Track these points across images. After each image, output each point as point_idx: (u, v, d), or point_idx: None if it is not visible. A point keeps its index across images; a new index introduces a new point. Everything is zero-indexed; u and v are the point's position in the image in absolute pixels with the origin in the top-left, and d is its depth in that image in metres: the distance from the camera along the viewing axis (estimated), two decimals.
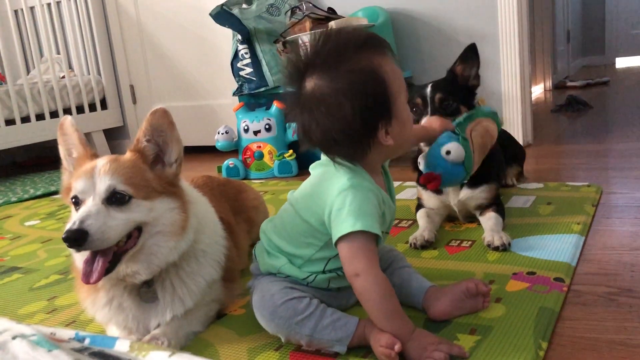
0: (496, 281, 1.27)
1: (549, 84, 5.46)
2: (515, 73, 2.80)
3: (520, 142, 2.50)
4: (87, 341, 0.84)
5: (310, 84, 1.01)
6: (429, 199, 1.72)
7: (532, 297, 1.18)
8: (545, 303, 1.14)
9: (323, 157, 1.13)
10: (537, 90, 5.32)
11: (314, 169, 1.16)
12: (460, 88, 1.64)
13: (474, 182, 1.63)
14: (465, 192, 1.64)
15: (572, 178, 2.11)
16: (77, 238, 0.98)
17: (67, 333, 0.88)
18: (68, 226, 0.99)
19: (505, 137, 2.11)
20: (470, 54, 1.63)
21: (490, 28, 2.82)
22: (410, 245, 1.55)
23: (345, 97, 0.98)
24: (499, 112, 2.84)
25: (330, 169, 1.07)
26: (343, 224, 0.99)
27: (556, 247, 1.43)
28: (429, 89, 1.62)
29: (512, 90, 2.83)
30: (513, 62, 2.80)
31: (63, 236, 0.98)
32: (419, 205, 1.75)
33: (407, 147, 1.15)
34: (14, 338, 0.79)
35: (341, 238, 1.00)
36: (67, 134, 1.16)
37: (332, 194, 1.03)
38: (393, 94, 1.02)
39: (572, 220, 1.61)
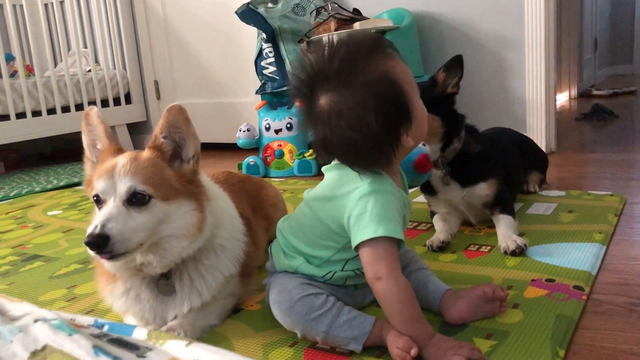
0: (514, 287, 1.26)
1: (574, 92, 5.39)
2: (540, 79, 2.78)
3: (544, 149, 2.47)
4: (105, 328, 0.86)
5: (325, 100, 1.00)
6: (436, 203, 1.72)
7: (550, 304, 1.16)
8: (563, 311, 1.13)
9: None
10: (562, 98, 5.26)
11: (328, 170, 1.15)
12: (435, 96, 1.59)
13: (470, 181, 1.63)
14: (466, 191, 1.64)
15: (595, 187, 2.09)
16: (99, 243, 0.99)
17: (86, 319, 0.90)
18: (90, 230, 1.01)
19: (527, 144, 2.09)
20: (455, 65, 1.60)
21: (517, 33, 2.80)
22: (428, 248, 1.55)
23: (365, 110, 0.97)
24: (524, 119, 2.83)
25: (349, 172, 1.07)
26: (365, 229, 0.99)
27: (576, 255, 1.42)
28: None
29: (537, 97, 2.80)
30: (538, 69, 2.77)
31: (85, 241, 0.99)
32: (432, 212, 1.76)
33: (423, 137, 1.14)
34: (35, 321, 0.81)
35: (363, 243, 1.00)
36: (92, 124, 1.18)
37: (353, 198, 1.02)
38: (409, 96, 1.02)
39: (593, 229, 1.59)
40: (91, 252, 1.02)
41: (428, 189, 1.71)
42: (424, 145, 1.63)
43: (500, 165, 1.71)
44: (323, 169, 1.16)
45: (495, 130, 2.06)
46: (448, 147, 1.61)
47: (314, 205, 1.12)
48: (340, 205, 1.05)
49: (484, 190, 1.63)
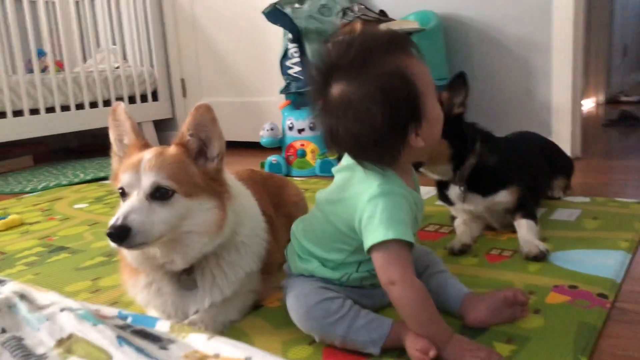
0: (536, 293, 1.25)
1: (601, 98, 5.30)
2: (567, 84, 2.74)
3: (569, 155, 2.43)
4: (129, 319, 0.87)
5: (336, 89, 1.00)
6: (454, 210, 1.72)
7: (573, 311, 1.15)
8: (586, 318, 1.11)
9: (346, 159, 1.12)
10: (589, 104, 5.17)
11: (338, 172, 1.15)
12: None
13: (491, 190, 1.62)
14: (487, 200, 1.63)
15: (621, 194, 2.05)
16: (120, 234, 1.01)
17: (110, 311, 0.91)
18: (112, 222, 1.02)
19: (552, 149, 2.06)
20: (458, 83, 1.55)
21: (544, 36, 2.76)
22: (449, 251, 1.55)
23: (373, 102, 0.96)
24: (549, 124, 2.79)
25: (358, 174, 1.06)
26: (375, 232, 0.98)
27: (601, 262, 1.39)
28: None
29: (563, 102, 2.77)
30: (565, 73, 2.73)
31: (107, 232, 1.01)
32: (453, 217, 1.75)
33: (435, 146, 1.11)
34: (61, 310, 0.83)
35: (374, 247, 0.99)
36: (119, 120, 1.20)
37: (362, 201, 1.02)
38: (422, 95, 1.00)
39: (619, 237, 1.57)
40: (112, 244, 1.03)
41: (447, 201, 1.70)
42: None
43: (521, 170, 1.69)
44: (333, 170, 1.16)
45: (519, 135, 2.04)
46: (463, 165, 1.60)
47: (325, 208, 1.12)
48: (349, 207, 1.05)
49: (505, 197, 1.62)
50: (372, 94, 0.97)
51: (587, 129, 3.54)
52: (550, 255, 1.46)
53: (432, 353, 0.95)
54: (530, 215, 1.60)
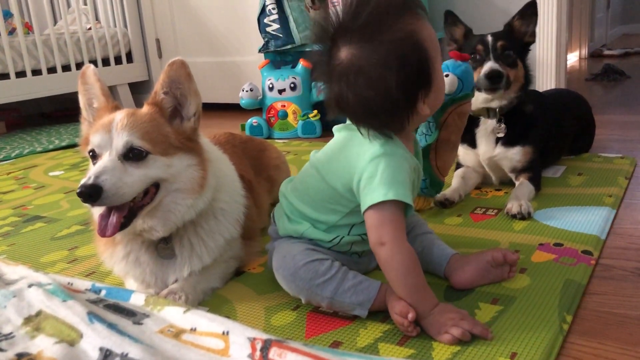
0: (521, 251, 1.24)
1: (584, 51, 5.26)
2: (551, 38, 2.70)
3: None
4: (103, 293, 0.84)
5: (346, 53, 0.96)
6: (465, 155, 1.71)
7: (558, 269, 1.14)
8: (571, 276, 1.11)
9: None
10: (572, 58, 5.14)
11: (339, 131, 1.11)
12: (517, 42, 1.63)
13: (509, 141, 1.61)
14: (499, 150, 1.62)
15: (605, 149, 2.04)
16: (91, 193, 0.97)
17: (84, 284, 0.88)
18: (83, 181, 0.98)
19: (584, 115, 2.00)
20: (530, 10, 1.62)
21: None
22: (432, 200, 1.55)
23: (388, 69, 0.93)
24: (533, 78, 2.75)
25: (359, 134, 1.03)
26: (374, 192, 0.96)
27: (585, 219, 1.39)
28: (490, 37, 1.61)
29: (547, 56, 2.73)
30: (550, 27, 2.69)
31: (77, 191, 0.97)
32: (458, 164, 1.74)
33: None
34: (29, 286, 0.79)
35: (370, 206, 0.97)
36: (88, 83, 1.15)
37: (364, 160, 0.99)
38: (432, 61, 0.98)
39: (603, 192, 1.56)
40: (86, 206, 0.99)
41: (469, 140, 1.69)
42: None
43: (543, 133, 1.67)
44: (334, 128, 1.13)
45: (557, 93, 2.04)
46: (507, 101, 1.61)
47: (322, 167, 1.09)
48: (349, 167, 1.02)
49: (517, 154, 1.61)
50: (387, 61, 0.93)
51: (571, 84, 3.51)
52: (535, 213, 1.45)
53: (410, 316, 0.93)
54: (533, 180, 1.59)
